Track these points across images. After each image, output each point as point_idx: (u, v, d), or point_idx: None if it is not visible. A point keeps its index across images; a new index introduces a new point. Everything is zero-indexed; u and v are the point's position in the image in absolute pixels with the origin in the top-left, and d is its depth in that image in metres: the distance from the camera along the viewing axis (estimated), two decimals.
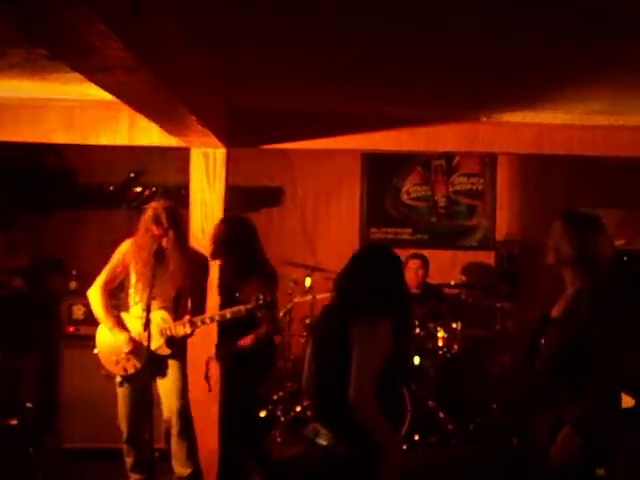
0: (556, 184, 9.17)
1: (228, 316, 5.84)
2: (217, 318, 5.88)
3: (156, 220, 5.79)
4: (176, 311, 5.92)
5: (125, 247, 6.04)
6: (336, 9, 3.73)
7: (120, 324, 5.96)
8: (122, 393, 6.01)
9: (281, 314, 8.30)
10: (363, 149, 8.31)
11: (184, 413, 6.03)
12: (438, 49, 4.50)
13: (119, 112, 6.37)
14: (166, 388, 6.03)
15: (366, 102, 6.42)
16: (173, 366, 6.00)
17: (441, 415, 7.75)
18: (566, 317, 4.28)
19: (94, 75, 3.86)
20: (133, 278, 5.96)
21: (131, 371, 5.93)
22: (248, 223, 6.39)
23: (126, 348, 5.87)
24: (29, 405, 7.29)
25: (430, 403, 7.76)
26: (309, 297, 8.27)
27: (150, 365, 5.80)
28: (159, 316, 5.85)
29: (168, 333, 5.83)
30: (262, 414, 8.20)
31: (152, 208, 5.89)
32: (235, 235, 6.17)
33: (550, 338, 4.31)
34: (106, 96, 4.80)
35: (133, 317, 5.96)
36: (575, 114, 6.37)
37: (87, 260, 8.19)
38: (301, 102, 6.49)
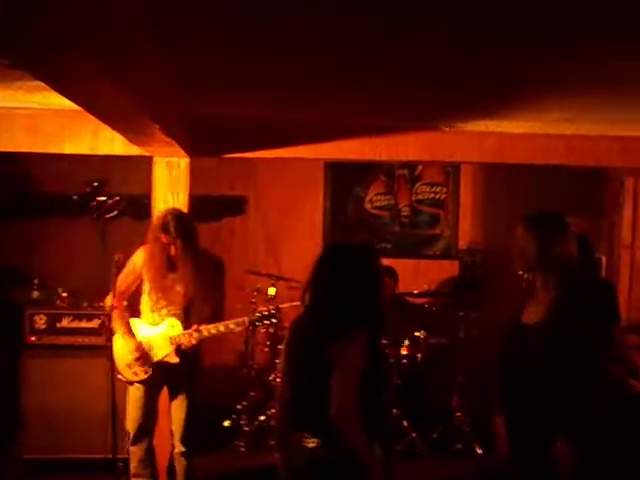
0: (519, 193, 9.22)
1: (232, 327, 5.90)
2: (222, 329, 5.90)
3: (164, 228, 5.78)
4: (187, 319, 5.93)
5: (138, 255, 6.03)
6: (300, 20, 3.74)
7: (131, 331, 5.96)
8: (133, 396, 6.02)
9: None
10: (325, 158, 8.31)
11: (187, 440, 6.12)
12: (400, 60, 4.52)
13: (82, 121, 6.32)
14: (176, 410, 6.11)
15: (328, 112, 6.44)
16: (184, 390, 6.08)
17: (405, 424, 7.78)
18: (552, 327, 4.28)
19: (56, 84, 3.85)
20: (146, 286, 5.96)
21: (142, 376, 5.95)
22: None
23: (133, 355, 5.89)
24: None
25: (394, 411, 7.78)
26: (273, 306, 8.26)
27: (160, 372, 5.94)
28: (170, 324, 5.90)
29: (177, 341, 5.87)
30: (226, 424, 8.20)
31: (161, 216, 5.88)
32: None
33: (536, 348, 4.32)
34: (69, 105, 4.78)
35: (144, 324, 6.00)
36: (537, 123, 6.42)
37: (49, 269, 8.16)
38: (263, 111, 6.50)
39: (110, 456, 5.93)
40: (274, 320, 6.15)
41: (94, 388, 6.74)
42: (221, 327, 5.90)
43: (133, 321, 6.02)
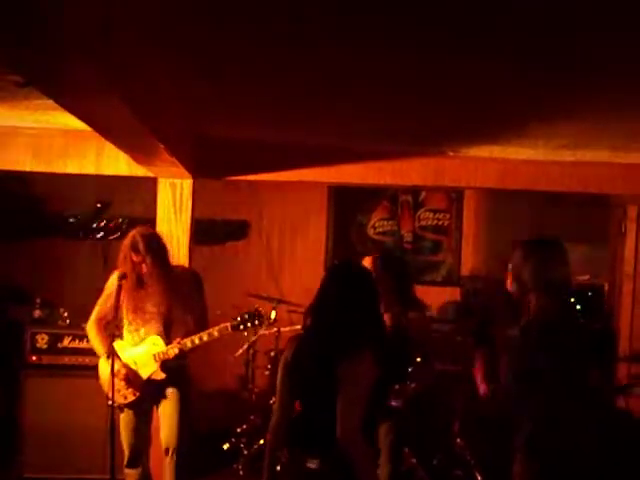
0: (522, 221, 9.22)
1: (216, 335, 5.87)
2: (205, 338, 5.88)
3: (133, 247, 5.82)
4: (168, 334, 5.94)
5: (113, 279, 6.02)
6: (305, 44, 3.77)
7: (114, 352, 5.93)
8: (124, 419, 6.01)
9: (245, 347, 8.30)
10: (329, 182, 8.34)
11: (181, 447, 6.05)
12: (406, 85, 4.54)
13: (87, 141, 6.37)
14: (165, 419, 6.06)
15: (333, 136, 6.46)
16: (173, 398, 6.02)
17: (405, 449, 7.73)
18: (516, 346, 4.35)
19: (65, 101, 3.87)
20: (124, 307, 5.96)
21: (130, 398, 5.94)
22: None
23: (119, 375, 5.84)
24: None
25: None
26: (274, 330, 8.26)
27: (148, 391, 5.93)
28: (152, 341, 5.91)
29: (161, 357, 5.88)
30: (225, 447, 8.17)
31: (130, 236, 5.91)
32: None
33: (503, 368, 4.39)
34: (74, 124, 4.81)
35: (127, 345, 5.99)
36: (540, 149, 6.43)
37: (52, 289, 8.16)
38: (268, 134, 6.52)
39: (108, 477, 5.92)
40: (257, 322, 6.11)
41: (94, 408, 6.71)
42: (204, 336, 5.88)
43: (116, 344, 6.00)
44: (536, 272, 4.37)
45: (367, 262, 6.19)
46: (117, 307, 5.78)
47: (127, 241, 5.89)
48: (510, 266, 5.00)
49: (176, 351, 5.84)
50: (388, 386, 6.10)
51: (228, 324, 5.94)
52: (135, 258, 5.82)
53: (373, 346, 4.05)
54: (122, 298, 5.88)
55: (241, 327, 6.03)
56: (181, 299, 5.97)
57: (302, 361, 4.22)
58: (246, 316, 6.01)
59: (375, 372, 4.00)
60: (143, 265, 5.83)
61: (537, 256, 4.42)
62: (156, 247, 5.91)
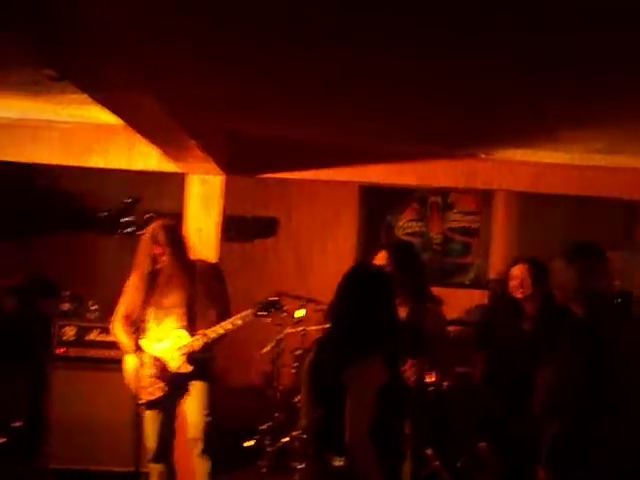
0: (552, 225, 9.16)
1: (239, 323, 5.84)
2: (229, 327, 5.86)
3: (154, 239, 5.81)
4: (192, 327, 5.90)
5: (134, 277, 6.02)
6: (338, 46, 3.77)
7: (140, 348, 5.95)
8: (150, 415, 5.99)
9: (271, 344, 8.29)
10: (360, 181, 8.32)
11: (209, 432, 6.03)
12: (440, 87, 4.54)
13: (118, 136, 6.39)
14: (192, 407, 6.02)
15: (366, 136, 6.45)
16: (198, 385, 6.00)
17: (428, 452, 7.71)
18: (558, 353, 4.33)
19: (100, 96, 3.89)
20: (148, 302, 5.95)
21: (158, 394, 5.93)
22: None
23: (146, 371, 5.86)
24: (18, 424, 7.27)
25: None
26: (300, 329, 8.25)
27: (176, 385, 5.91)
28: (176, 335, 5.89)
29: (187, 350, 5.85)
30: (249, 444, 8.17)
31: (151, 228, 5.89)
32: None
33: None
34: (106, 119, 4.82)
35: (152, 340, 5.96)
36: (574, 154, 6.40)
37: (81, 283, 8.18)
38: (300, 133, 6.51)
39: (132, 470, 5.94)
40: (277, 308, 6.09)
41: (120, 401, 6.70)
42: (228, 325, 5.85)
43: (142, 340, 5.99)
44: (580, 278, 4.31)
45: (381, 256, 6.15)
46: (144, 303, 5.79)
47: (148, 234, 5.88)
48: (512, 269, 5.13)
49: (201, 342, 5.81)
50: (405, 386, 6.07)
51: (250, 311, 5.88)
52: (156, 250, 5.81)
53: (385, 347, 4.05)
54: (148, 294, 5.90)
55: (264, 313, 5.97)
56: (204, 292, 5.94)
57: (322, 361, 4.24)
58: (267, 302, 5.97)
59: (384, 374, 3.99)
60: (164, 257, 5.82)
61: (579, 263, 4.36)
62: (177, 239, 5.91)
